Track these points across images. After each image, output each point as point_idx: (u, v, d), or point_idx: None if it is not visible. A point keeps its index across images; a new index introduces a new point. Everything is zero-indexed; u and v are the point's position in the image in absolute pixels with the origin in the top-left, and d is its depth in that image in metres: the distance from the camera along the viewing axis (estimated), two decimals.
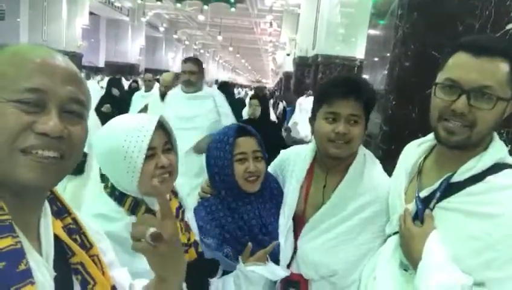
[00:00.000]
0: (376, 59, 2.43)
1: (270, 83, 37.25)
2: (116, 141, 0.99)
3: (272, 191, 1.38)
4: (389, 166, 1.40)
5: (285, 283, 1.33)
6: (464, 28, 1.58)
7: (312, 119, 1.33)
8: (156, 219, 0.71)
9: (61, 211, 0.72)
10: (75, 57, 16.40)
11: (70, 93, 0.63)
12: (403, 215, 1.06)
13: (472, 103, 0.92)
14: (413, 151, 1.17)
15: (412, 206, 1.05)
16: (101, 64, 22.26)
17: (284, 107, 8.31)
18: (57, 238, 0.67)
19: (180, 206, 1.15)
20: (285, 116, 7.93)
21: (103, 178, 1.07)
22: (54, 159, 0.61)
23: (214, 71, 49.02)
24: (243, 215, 1.29)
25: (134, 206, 1.03)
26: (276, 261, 1.29)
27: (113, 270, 0.78)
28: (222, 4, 15.81)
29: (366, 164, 1.33)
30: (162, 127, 1.05)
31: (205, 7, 16.20)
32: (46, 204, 0.69)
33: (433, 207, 1.00)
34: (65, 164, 0.63)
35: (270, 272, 1.20)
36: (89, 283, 0.67)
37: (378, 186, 1.27)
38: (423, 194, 1.03)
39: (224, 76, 54.32)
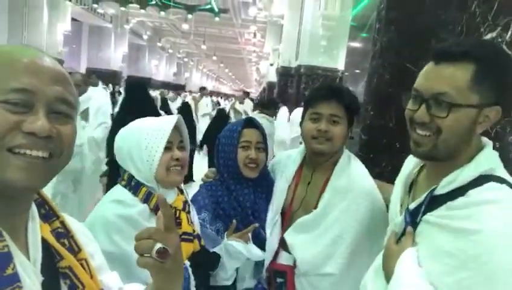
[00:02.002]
0: (356, 71, 2.49)
1: (253, 92, 37.45)
2: (140, 134, 1.18)
3: (268, 183, 1.55)
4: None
5: (273, 272, 1.47)
6: (437, 42, 1.64)
7: (301, 122, 1.49)
8: (161, 232, 0.71)
9: (49, 214, 0.71)
10: None
11: (58, 94, 0.63)
12: (393, 232, 1.05)
13: (431, 112, 0.90)
14: (410, 161, 1.15)
15: (402, 218, 1.03)
16: (83, 71, 21.91)
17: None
18: (44, 242, 0.66)
19: (187, 201, 1.28)
20: None
21: (113, 176, 1.24)
22: (42, 159, 0.60)
23: (198, 80, 48.96)
24: (239, 197, 1.46)
25: (148, 196, 1.17)
26: (262, 248, 1.44)
27: (102, 274, 0.78)
28: (206, 13, 15.88)
29: (351, 163, 1.47)
30: (177, 128, 1.24)
31: (189, 16, 16.22)
32: (34, 207, 0.68)
33: (420, 220, 0.97)
34: (54, 164, 0.63)
35: (248, 250, 1.35)
36: (78, 287, 0.67)
37: (364, 183, 1.41)
38: (412, 206, 1.00)
39: (208, 85, 54.32)
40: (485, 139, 0.98)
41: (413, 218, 0.98)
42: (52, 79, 0.63)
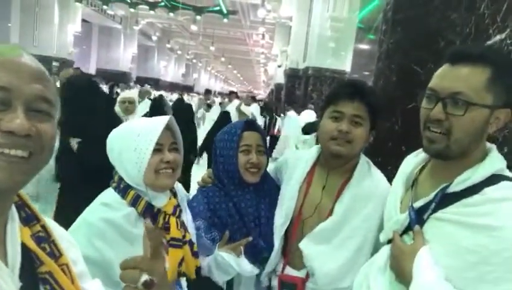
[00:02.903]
0: (364, 73, 2.47)
1: (262, 93, 37.44)
2: (130, 135, 1.13)
3: (269, 187, 1.47)
4: None
5: (280, 284, 1.37)
6: (445, 44, 1.62)
7: (319, 120, 1.41)
8: (147, 260, 0.70)
9: (29, 217, 0.68)
10: (66, 64, 16.34)
11: (37, 92, 0.62)
12: (396, 231, 1.05)
13: (448, 110, 0.93)
14: (411, 161, 1.17)
15: (405, 216, 1.04)
16: (92, 72, 22.17)
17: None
18: (24, 246, 0.63)
19: (178, 205, 1.23)
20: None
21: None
22: (22, 159, 0.59)
23: (206, 81, 49.15)
24: (241, 203, 1.38)
25: (135, 200, 1.13)
26: (258, 259, 1.36)
27: (85, 282, 0.75)
28: (215, 15, 15.93)
29: (371, 168, 1.39)
30: (170, 129, 1.19)
31: (198, 17, 16.30)
32: (14, 209, 0.66)
33: (427, 218, 0.99)
34: (34, 164, 0.62)
35: (238, 264, 1.28)
36: None
37: (387, 190, 1.27)
38: (417, 204, 1.02)
39: (216, 86, 54.51)
40: (488, 142, 1.00)
41: (419, 215, 1.00)
42: (32, 77, 0.62)
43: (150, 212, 1.13)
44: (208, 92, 8.70)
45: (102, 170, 1.33)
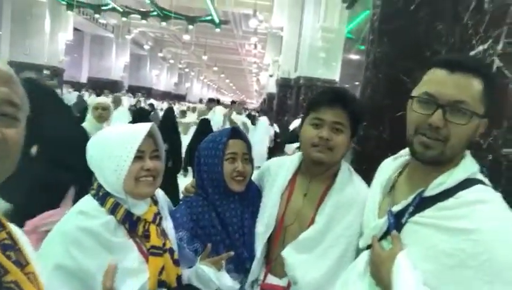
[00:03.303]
0: (355, 83, 2.50)
1: (254, 103, 37.55)
2: (110, 141, 1.12)
3: (253, 195, 1.45)
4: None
5: None
6: (431, 54, 1.65)
7: (300, 127, 1.39)
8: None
9: None
10: (56, 72, 16.25)
11: (2, 95, 0.60)
12: (374, 237, 1.06)
13: (447, 118, 0.94)
14: (389, 166, 1.18)
15: (384, 221, 1.05)
16: (84, 80, 22.07)
17: (276, 132, 8.12)
18: None
19: (159, 213, 1.21)
20: (277, 141, 7.89)
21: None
22: None
23: (199, 90, 49.17)
24: (225, 213, 1.36)
25: (115, 208, 1.11)
26: (242, 269, 1.34)
27: None
28: (207, 25, 16.01)
29: (353, 175, 1.38)
30: (152, 136, 1.18)
31: (190, 27, 16.36)
32: None
33: (405, 222, 1.00)
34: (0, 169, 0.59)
35: (218, 278, 1.25)
36: None
37: (365, 198, 1.26)
38: (396, 208, 1.03)
39: (209, 95, 54.51)
40: None
41: (397, 220, 1.01)
42: None
43: (129, 220, 1.11)
44: (211, 100, 8.40)
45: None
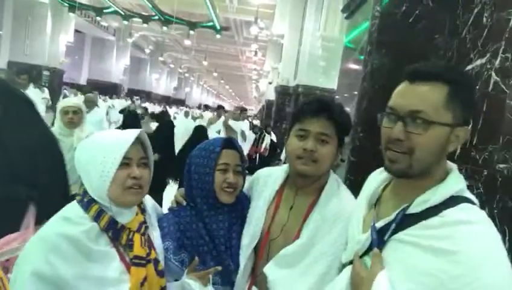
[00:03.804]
0: (353, 92, 2.49)
1: (253, 109, 37.65)
2: (97, 147, 1.10)
3: (244, 207, 1.41)
4: (356, 196, 1.42)
5: None
6: None
7: (286, 139, 1.36)
8: None
9: None
10: (56, 73, 16.24)
11: None
12: (356, 254, 1.03)
13: (408, 129, 0.92)
14: (375, 179, 1.15)
15: (367, 236, 1.02)
16: (83, 82, 22.07)
17: (272, 140, 8.02)
18: None
19: (144, 222, 1.18)
20: (275, 150, 7.86)
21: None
22: None
23: (198, 95, 49.27)
24: (212, 224, 1.32)
25: (99, 215, 1.08)
26: (229, 280, 1.31)
27: None
28: (208, 30, 16.07)
29: (340, 188, 1.33)
30: (141, 143, 1.16)
31: (191, 32, 16.41)
32: None
33: (388, 239, 0.96)
34: None
35: None
36: None
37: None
38: (379, 224, 1.00)
39: (209, 101, 54.65)
40: (449, 162, 1.00)
41: (380, 236, 0.97)
42: None
43: (112, 228, 1.09)
44: (220, 107, 8.04)
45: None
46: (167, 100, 29.30)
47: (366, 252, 1.01)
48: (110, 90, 20.09)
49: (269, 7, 14.11)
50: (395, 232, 0.95)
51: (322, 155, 1.24)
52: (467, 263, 0.81)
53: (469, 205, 0.91)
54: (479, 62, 1.45)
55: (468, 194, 0.95)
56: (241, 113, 7.40)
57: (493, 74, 1.37)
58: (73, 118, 2.83)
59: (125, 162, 1.09)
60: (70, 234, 1.02)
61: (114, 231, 1.09)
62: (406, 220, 0.94)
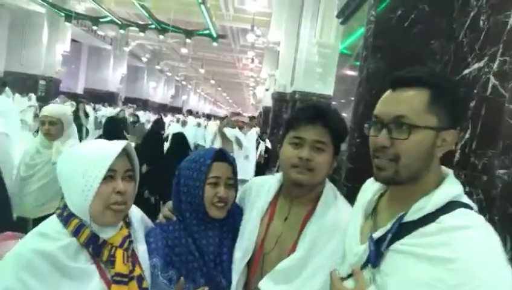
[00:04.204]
0: (351, 98, 2.47)
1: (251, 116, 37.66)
2: (80, 158, 1.03)
3: (234, 220, 1.34)
4: (353, 204, 1.38)
5: None
6: None
7: (279, 147, 1.29)
8: None
9: None
10: (53, 83, 16.23)
11: None
12: (333, 274, 1.00)
13: (392, 135, 0.91)
14: (370, 187, 1.11)
15: (364, 248, 0.97)
16: (80, 91, 22.07)
17: (267, 148, 7.99)
18: None
19: (129, 236, 1.12)
20: (269, 157, 7.80)
21: None
22: None
23: (195, 103, 49.32)
24: (201, 240, 1.25)
25: (78, 229, 1.02)
26: None
27: None
28: (205, 38, 16.12)
29: (337, 197, 1.28)
30: (127, 155, 1.10)
31: (188, 40, 16.45)
32: None
33: (385, 249, 0.92)
34: None
35: None
36: None
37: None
38: (376, 235, 0.96)
39: (206, 108, 54.72)
40: (444, 167, 0.98)
41: (378, 247, 0.94)
42: None
43: (93, 243, 1.02)
44: (236, 114, 7.99)
45: None
46: (164, 108, 29.30)
47: (365, 265, 0.97)
48: (107, 99, 20.08)
49: (265, 15, 14.19)
50: (392, 242, 0.91)
51: (318, 164, 1.19)
52: (465, 270, 0.78)
53: (466, 210, 0.88)
54: (476, 66, 1.43)
55: (465, 200, 0.92)
56: (250, 120, 7.34)
57: (491, 77, 1.35)
58: (50, 129, 2.50)
59: (110, 175, 1.03)
60: (46, 250, 0.96)
61: (95, 247, 1.02)
62: (403, 229, 0.91)
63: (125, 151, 1.08)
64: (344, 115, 2.15)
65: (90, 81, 22.61)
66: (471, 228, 0.84)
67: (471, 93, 1.41)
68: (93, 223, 1.03)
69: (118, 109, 12.44)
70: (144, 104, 26.24)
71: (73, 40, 18.84)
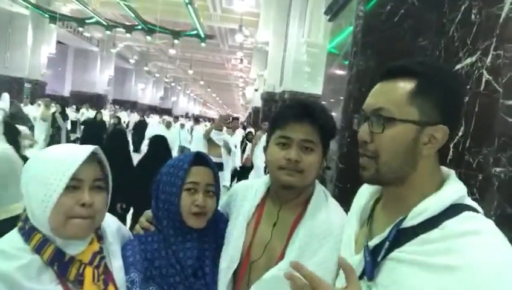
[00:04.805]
0: (340, 97, 2.42)
1: (241, 117, 37.64)
2: (42, 165, 0.93)
3: (219, 232, 1.24)
4: (344, 205, 1.31)
5: None
6: None
7: (266, 147, 1.21)
8: None
9: None
10: (38, 85, 15.96)
11: None
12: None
13: (371, 129, 0.83)
14: (365, 192, 1.03)
15: (360, 257, 0.89)
16: (66, 94, 21.77)
17: None
18: None
19: (100, 252, 1.01)
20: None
21: None
22: None
23: (185, 104, 49.08)
24: (179, 252, 1.15)
25: (41, 245, 0.91)
26: None
27: None
28: (193, 39, 16.00)
29: (328, 199, 1.21)
30: (99, 162, 0.99)
31: (176, 41, 16.32)
32: None
33: (382, 259, 0.83)
34: None
35: None
36: None
37: (342, 228, 1.09)
38: (372, 243, 0.88)
39: (196, 109, 54.49)
40: (444, 168, 0.90)
41: (374, 257, 0.86)
42: None
43: (59, 261, 0.91)
44: (235, 119, 7.42)
45: None
46: (154, 110, 29.08)
47: (361, 277, 0.88)
48: (95, 101, 19.82)
49: (253, 15, 14.14)
50: (390, 250, 0.83)
51: (307, 164, 1.11)
52: (475, 280, 0.69)
53: (472, 214, 0.79)
54: (468, 61, 1.38)
55: (469, 202, 0.83)
56: (232, 122, 7.10)
57: (484, 72, 1.30)
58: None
59: (74, 185, 0.92)
60: (2, 271, 0.85)
61: (60, 265, 0.92)
62: (401, 236, 0.82)
63: (95, 158, 0.98)
64: (334, 114, 2.10)
65: (77, 83, 22.30)
66: (481, 234, 0.75)
67: (465, 89, 1.37)
68: (57, 237, 0.93)
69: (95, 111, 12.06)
70: (132, 106, 25.99)
71: (59, 42, 18.55)
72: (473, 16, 1.39)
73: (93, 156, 0.96)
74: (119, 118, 10.22)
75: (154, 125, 12.35)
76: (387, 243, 0.83)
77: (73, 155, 0.93)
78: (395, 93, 0.83)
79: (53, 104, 9.91)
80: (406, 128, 0.81)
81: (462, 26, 1.45)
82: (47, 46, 16.34)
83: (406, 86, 0.82)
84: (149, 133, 10.29)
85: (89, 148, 0.95)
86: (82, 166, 0.92)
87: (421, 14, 1.68)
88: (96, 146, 0.97)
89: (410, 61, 0.88)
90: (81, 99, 19.01)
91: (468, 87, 1.37)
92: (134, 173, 3.61)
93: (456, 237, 0.75)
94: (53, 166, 0.91)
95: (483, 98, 1.31)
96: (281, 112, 1.18)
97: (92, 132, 4.43)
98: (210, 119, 23.78)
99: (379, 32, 1.75)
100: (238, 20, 13.95)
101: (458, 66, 1.43)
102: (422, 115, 0.81)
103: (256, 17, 13.36)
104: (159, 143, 3.68)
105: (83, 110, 14.02)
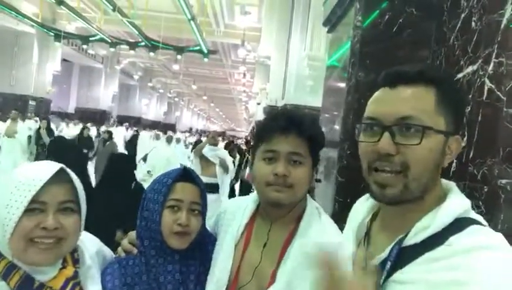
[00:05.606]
0: (332, 108, 2.38)
1: (244, 131, 37.62)
2: (7, 186, 0.88)
3: (206, 253, 1.16)
4: (344, 221, 1.26)
5: None
6: None
7: (251, 162, 1.15)
8: None
9: None
10: (43, 103, 16.10)
11: None
12: None
13: (397, 140, 0.75)
14: (361, 207, 0.95)
15: None
16: (71, 110, 21.94)
17: None
18: None
19: (74, 277, 0.94)
20: None
21: None
22: None
23: (189, 119, 49.30)
24: (159, 276, 1.07)
25: (8, 271, 0.86)
26: None
27: None
28: (196, 54, 16.13)
29: (322, 215, 1.13)
30: (70, 182, 0.93)
31: (179, 57, 16.46)
32: None
33: (384, 282, 0.76)
34: None
35: None
36: None
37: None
38: (373, 264, 0.80)
39: (199, 124, 54.72)
40: (444, 180, 0.84)
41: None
42: None
43: (27, 288, 0.86)
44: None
45: None
46: (157, 125, 29.22)
47: None
48: (99, 117, 19.95)
49: (255, 30, 14.26)
50: (392, 272, 0.76)
51: (296, 179, 1.05)
52: None
53: (480, 227, 0.74)
54: (470, 69, 1.34)
55: (474, 215, 0.77)
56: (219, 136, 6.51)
57: (487, 80, 1.26)
58: None
59: (36, 208, 0.86)
60: None
61: None
62: (404, 255, 0.76)
63: (65, 178, 0.92)
64: (335, 127, 2.05)
65: (81, 100, 22.49)
66: (491, 248, 0.69)
67: (467, 98, 1.32)
68: (21, 263, 0.87)
69: (80, 126, 11.33)
70: (137, 122, 26.12)
71: (64, 60, 18.79)
72: (473, 24, 1.35)
73: (63, 175, 0.90)
74: (110, 133, 9.69)
75: (145, 140, 11.50)
76: (389, 263, 0.76)
77: (36, 176, 0.87)
78: (421, 101, 0.76)
79: (36, 119, 9.49)
80: (438, 139, 0.75)
81: (463, 34, 1.41)
82: (52, 64, 16.53)
83: (430, 93, 0.76)
84: (140, 148, 9.92)
85: (53, 168, 0.89)
86: (47, 187, 0.86)
87: (420, 23, 1.65)
88: (61, 165, 0.91)
89: (421, 66, 0.81)
90: (85, 115, 19.13)
91: (470, 96, 1.33)
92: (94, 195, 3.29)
93: (466, 253, 0.69)
94: (15, 187, 0.86)
95: (486, 107, 1.27)
96: (266, 125, 1.12)
97: (56, 149, 3.89)
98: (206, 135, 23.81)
99: (378, 42, 1.72)
100: (240, 35, 14.08)
101: (460, 75, 1.39)
102: (447, 124, 0.77)
103: (258, 32, 13.47)
104: (118, 162, 3.30)
105: (60, 127, 12.66)
